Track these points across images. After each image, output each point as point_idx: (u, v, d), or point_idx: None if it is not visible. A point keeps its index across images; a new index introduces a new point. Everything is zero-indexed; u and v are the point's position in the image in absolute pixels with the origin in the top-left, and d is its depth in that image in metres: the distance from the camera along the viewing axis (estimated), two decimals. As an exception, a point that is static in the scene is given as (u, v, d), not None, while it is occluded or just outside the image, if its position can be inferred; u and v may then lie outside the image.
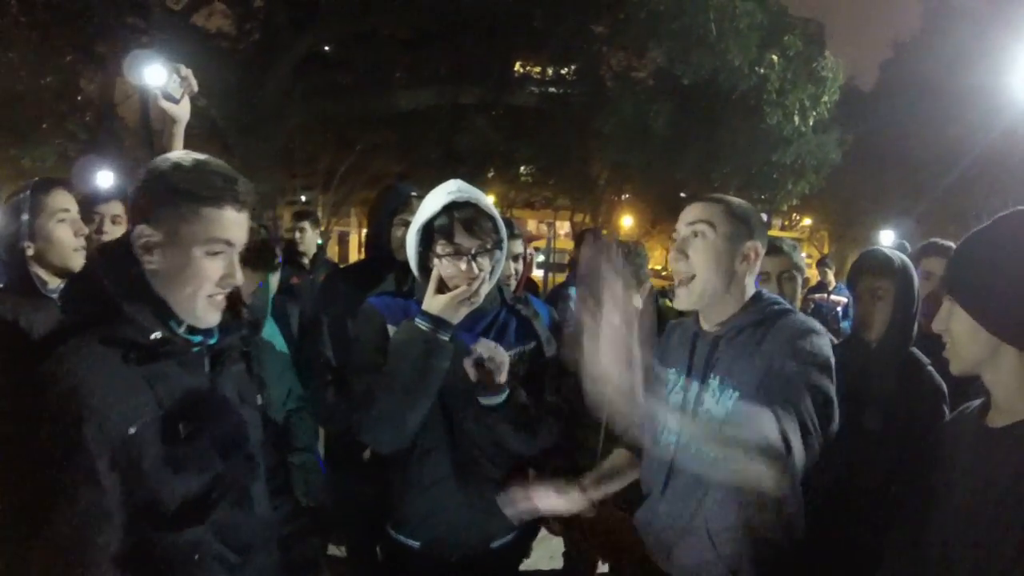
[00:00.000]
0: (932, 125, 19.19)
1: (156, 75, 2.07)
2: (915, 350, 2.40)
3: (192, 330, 1.47)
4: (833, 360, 1.64)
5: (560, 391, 2.12)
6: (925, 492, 1.44)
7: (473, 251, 1.93)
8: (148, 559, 1.30)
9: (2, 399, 1.34)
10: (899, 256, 2.44)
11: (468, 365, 1.89)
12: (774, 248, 2.74)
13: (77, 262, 2.24)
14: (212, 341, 1.50)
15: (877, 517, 1.76)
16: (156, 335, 1.36)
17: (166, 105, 2.11)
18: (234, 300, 1.64)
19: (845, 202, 27.60)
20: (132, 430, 1.28)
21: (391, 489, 2.13)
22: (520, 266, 3.05)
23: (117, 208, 2.62)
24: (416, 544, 2.09)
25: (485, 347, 1.89)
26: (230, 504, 1.45)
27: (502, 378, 1.91)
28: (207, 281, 1.40)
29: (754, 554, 1.65)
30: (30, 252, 2.17)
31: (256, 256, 2.22)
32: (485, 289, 1.95)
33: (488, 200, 2.00)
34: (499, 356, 1.90)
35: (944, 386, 2.30)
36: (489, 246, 1.95)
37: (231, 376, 1.56)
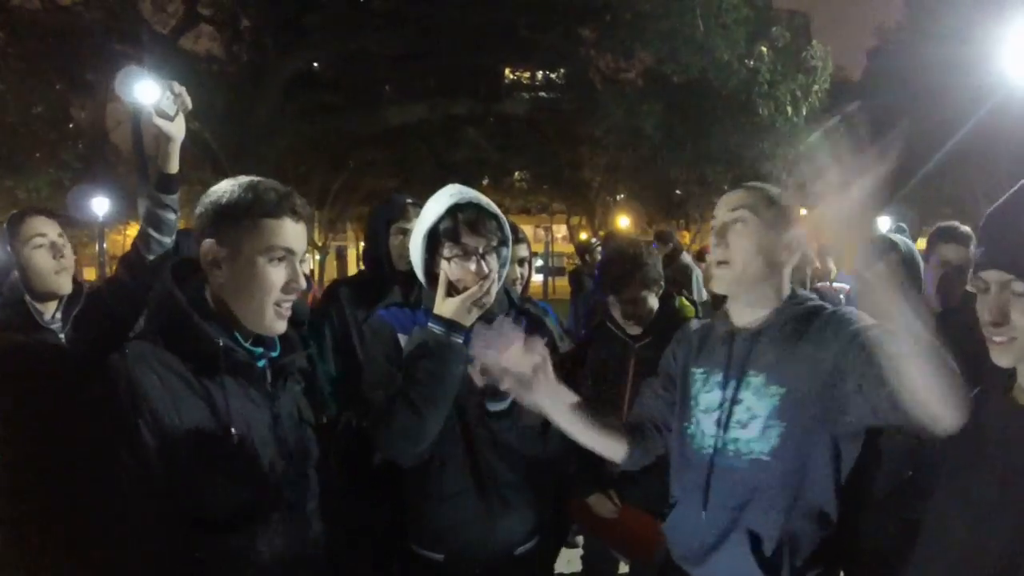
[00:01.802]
0: (921, 109, 19.26)
1: (148, 92, 2.05)
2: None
3: (256, 343, 1.51)
4: None
5: (574, 387, 2.11)
6: (950, 475, 1.42)
7: (481, 250, 1.89)
8: (192, 560, 1.33)
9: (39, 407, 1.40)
10: (903, 240, 2.45)
11: (473, 372, 1.87)
12: None
13: (61, 284, 2.21)
14: (274, 354, 1.54)
15: (904, 510, 1.75)
16: (220, 343, 1.40)
17: (160, 123, 2.08)
18: (295, 319, 1.63)
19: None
20: (186, 431, 1.33)
21: (409, 503, 2.10)
22: (525, 270, 3.03)
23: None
24: (440, 557, 2.06)
25: (484, 347, 1.87)
26: (282, 519, 1.47)
27: (507, 384, 1.89)
28: (273, 288, 1.45)
29: (795, 564, 1.58)
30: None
31: None
32: (495, 288, 1.92)
33: (489, 201, 1.98)
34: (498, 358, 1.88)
35: (956, 369, 2.28)
36: (495, 244, 1.92)
37: (291, 393, 1.59)
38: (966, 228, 2.95)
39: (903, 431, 1.55)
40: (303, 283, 1.51)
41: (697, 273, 6.02)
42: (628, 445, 1.86)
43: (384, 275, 2.65)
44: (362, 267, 2.90)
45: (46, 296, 2.21)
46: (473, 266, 1.89)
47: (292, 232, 1.47)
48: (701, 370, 1.77)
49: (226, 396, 1.41)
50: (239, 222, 1.43)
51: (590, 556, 3.06)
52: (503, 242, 1.97)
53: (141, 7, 11.64)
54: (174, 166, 2.16)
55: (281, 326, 1.49)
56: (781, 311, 1.68)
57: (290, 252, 1.47)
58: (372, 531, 2.56)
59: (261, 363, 1.50)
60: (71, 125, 17.02)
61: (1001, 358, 1.32)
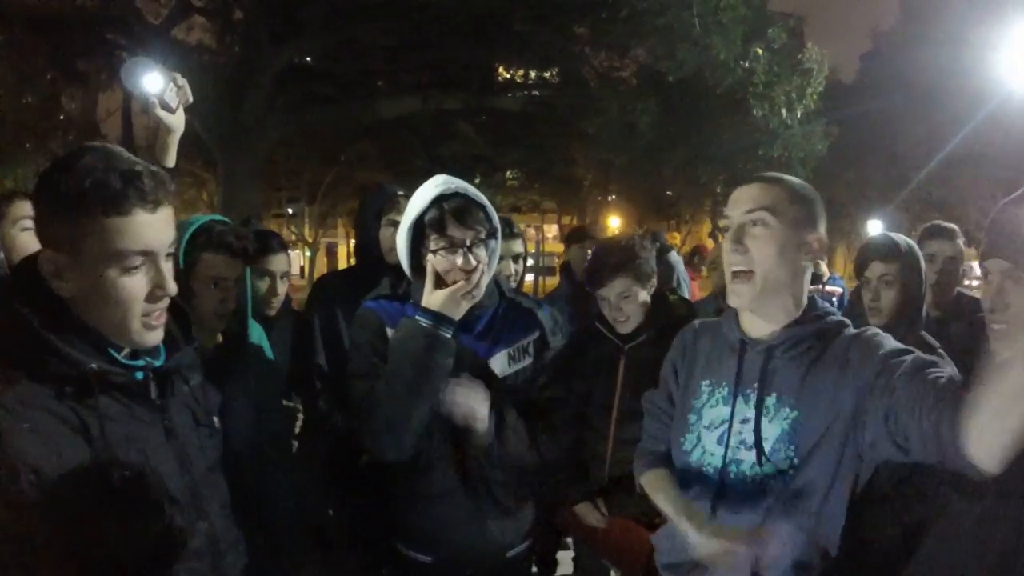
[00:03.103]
0: (914, 114, 19.35)
1: (153, 83, 2.01)
2: (925, 333, 2.39)
3: (135, 354, 1.30)
4: None
5: (565, 382, 2.08)
6: (955, 474, 1.40)
7: (468, 242, 1.86)
8: None
9: None
10: (904, 240, 2.46)
11: (447, 409, 1.84)
12: None
13: None
14: (158, 363, 1.33)
15: (906, 505, 1.73)
16: (91, 367, 1.18)
17: (162, 114, 2.04)
18: (181, 312, 1.44)
19: (830, 194, 27.82)
20: (70, 473, 1.13)
21: (396, 502, 2.06)
22: (520, 267, 3.00)
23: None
24: (428, 559, 2.03)
25: (457, 393, 1.85)
26: (196, 539, 1.33)
27: (481, 421, 1.85)
28: (132, 301, 1.20)
29: None
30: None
31: (234, 242, 2.10)
32: (484, 281, 1.89)
33: (476, 192, 1.93)
34: (470, 400, 1.84)
35: (956, 372, 2.28)
36: (483, 236, 1.89)
37: (181, 397, 1.40)
38: (950, 224, 3.04)
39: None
40: (172, 287, 1.25)
41: (680, 271, 6.02)
42: None
43: (374, 267, 2.60)
44: (352, 263, 2.86)
45: None
46: (460, 259, 1.85)
47: (147, 226, 1.18)
48: (707, 382, 1.64)
49: (107, 424, 1.20)
50: (72, 223, 1.14)
51: (581, 558, 3.03)
52: (491, 234, 1.92)
53: (133, -4, 11.52)
54: (172, 159, 2.11)
55: (154, 337, 1.27)
56: (800, 325, 1.53)
57: (148, 254, 1.20)
58: (359, 533, 2.52)
59: (139, 375, 1.28)
60: (61, 115, 16.87)
61: (999, 345, 1.32)
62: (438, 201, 1.87)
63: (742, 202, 1.53)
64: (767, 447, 1.48)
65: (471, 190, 1.92)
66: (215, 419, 1.52)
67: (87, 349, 1.19)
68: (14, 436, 1.08)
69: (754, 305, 1.54)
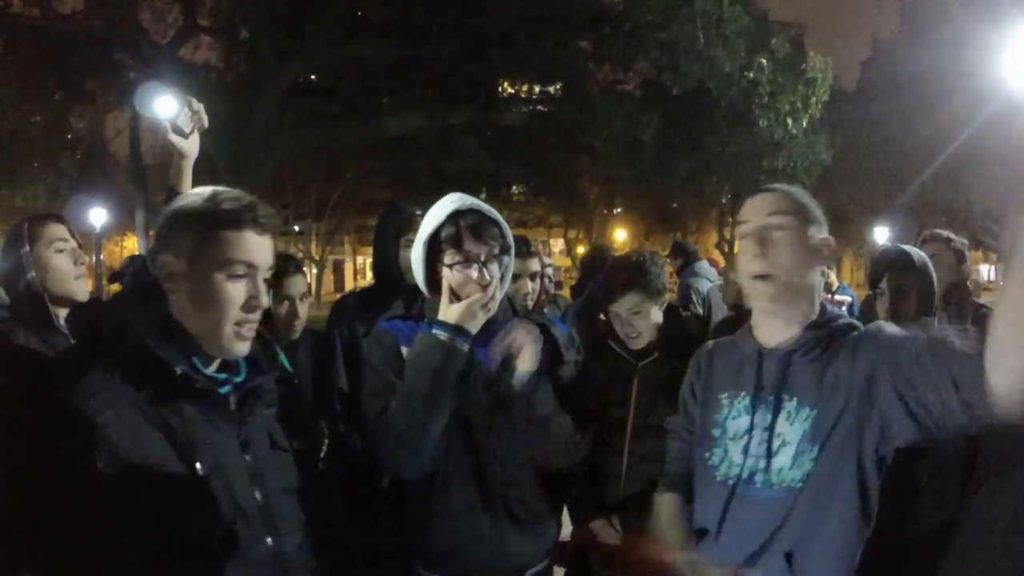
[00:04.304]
0: (917, 117, 19.37)
1: (167, 107, 2.01)
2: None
3: (221, 368, 1.43)
4: None
5: (578, 399, 2.08)
6: (969, 476, 1.43)
7: (483, 257, 1.87)
8: None
9: (21, 425, 1.33)
10: (918, 252, 2.49)
11: (496, 349, 1.87)
12: None
13: (78, 290, 2.22)
14: (239, 379, 1.44)
15: (925, 512, 1.71)
16: (178, 371, 1.32)
17: (175, 139, 2.04)
18: (266, 340, 1.56)
19: (834, 201, 27.82)
20: (148, 466, 1.25)
21: (413, 521, 2.05)
22: (537, 285, 2.99)
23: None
24: None
25: (516, 327, 1.90)
26: (261, 550, 1.39)
27: (527, 362, 1.88)
28: (231, 306, 1.37)
29: None
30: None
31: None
32: (499, 295, 1.91)
33: (491, 209, 1.94)
34: (524, 337, 1.88)
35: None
36: (497, 251, 1.90)
37: (261, 418, 1.49)
38: (947, 232, 3.23)
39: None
40: (265, 301, 1.41)
41: (706, 276, 5.90)
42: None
43: (393, 287, 2.61)
44: (359, 281, 2.87)
45: (63, 300, 2.21)
46: (475, 273, 1.87)
47: (254, 245, 1.39)
48: (726, 395, 1.65)
49: (188, 426, 1.32)
50: (198, 233, 1.36)
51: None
52: (505, 249, 1.94)
53: (141, 17, 11.65)
54: (187, 184, 2.10)
55: (243, 348, 1.40)
56: (816, 328, 1.55)
57: (251, 267, 1.38)
58: (374, 553, 2.51)
59: (224, 389, 1.40)
60: (69, 134, 17.07)
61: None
62: (454, 217, 1.89)
63: (763, 207, 1.56)
64: (791, 450, 1.49)
65: (485, 207, 1.94)
66: (293, 443, 1.59)
67: (178, 357, 1.34)
68: (100, 419, 1.23)
69: (775, 306, 1.56)
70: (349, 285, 40.28)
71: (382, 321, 2.07)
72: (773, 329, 1.59)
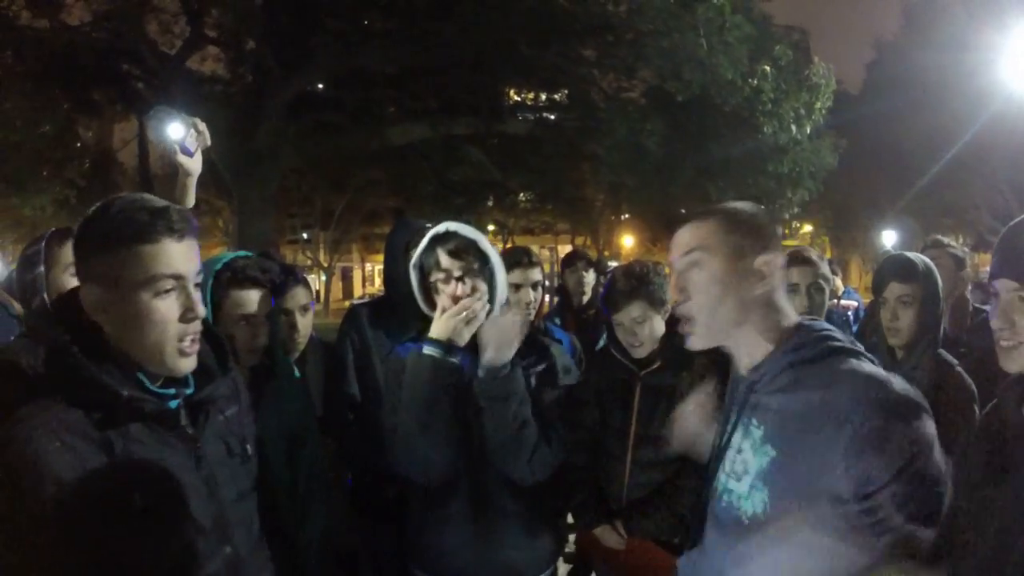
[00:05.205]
0: (921, 119, 19.32)
1: (176, 130, 2.10)
2: (943, 352, 2.40)
3: (167, 383, 1.39)
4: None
5: (578, 408, 2.15)
6: (973, 487, 1.39)
7: (457, 272, 2.01)
8: None
9: None
10: (921, 259, 2.48)
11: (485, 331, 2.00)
12: (801, 258, 2.70)
13: None
14: (189, 391, 1.41)
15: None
16: (124, 394, 1.27)
17: (182, 159, 2.12)
18: (218, 343, 1.53)
19: (840, 206, 27.71)
20: (94, 497, 1.20)
21: (411, 524, 2.15)
22: (539, 294, 3.03)
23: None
24: None
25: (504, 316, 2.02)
26: (223, 560, 1.39)
27: (504, 348, 1.97)
28: (167, 324, 1.31)
29: None
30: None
31: (259, 276, 2.13)
32: (480, 307, 2.00)
33: (470, 230, 2.09)
34: (508, 328, 1.97)
35: (974, 387, 2.29)
36: (475, 266, 2.03)
37: (215, 427, 1.46)
38: (948, 239, 3.36)
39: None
40: (202, 310, 1.37)
41: None
42: None
43: (401, 298, 2.66)
44: (367, 288, 2.92)
45: None
46: (450, 287, 2.01)
47: (175, 254, 1.31)
48: (722, 417, 1.61)
49: (137, 449, 1.28)
50: (113, 254, 1.28)
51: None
52: (484, 264, 2.06)
53: (148, 28, 11.74)
54: (191, 200, 2.18)
55: (188, 364, 1.36)
56: (778, 355, 1.44)
57: (178, 278, 1.32)
58: (376, 555, 2.54)
59: (173, 404, 1.36)
60: (77, 144, 17.17)
61: (1008, 363, 1.34)
62: (433, 241, 2.07)
63: (676, 247, 1.50)
64: (748, 480, 1.42)
65: (464, 229, 2.08)
66: (248, 447, 1.58)
67: (121, 378, 1.29)
68: (46, 452, 1.18)
69: (709, 344, 1.49)
70: (357, 292, 40.39)
71: (398, 347, 2.19)
72: (739, 357, 1.52)
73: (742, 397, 1.50)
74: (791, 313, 1.49)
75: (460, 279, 2.01)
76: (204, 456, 1.41)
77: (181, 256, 1.32)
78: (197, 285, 1.37)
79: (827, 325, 1.50)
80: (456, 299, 2.00)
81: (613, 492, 2.57)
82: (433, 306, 2.07)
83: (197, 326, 1.36)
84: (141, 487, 1.26)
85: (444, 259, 2.02)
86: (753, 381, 1.47)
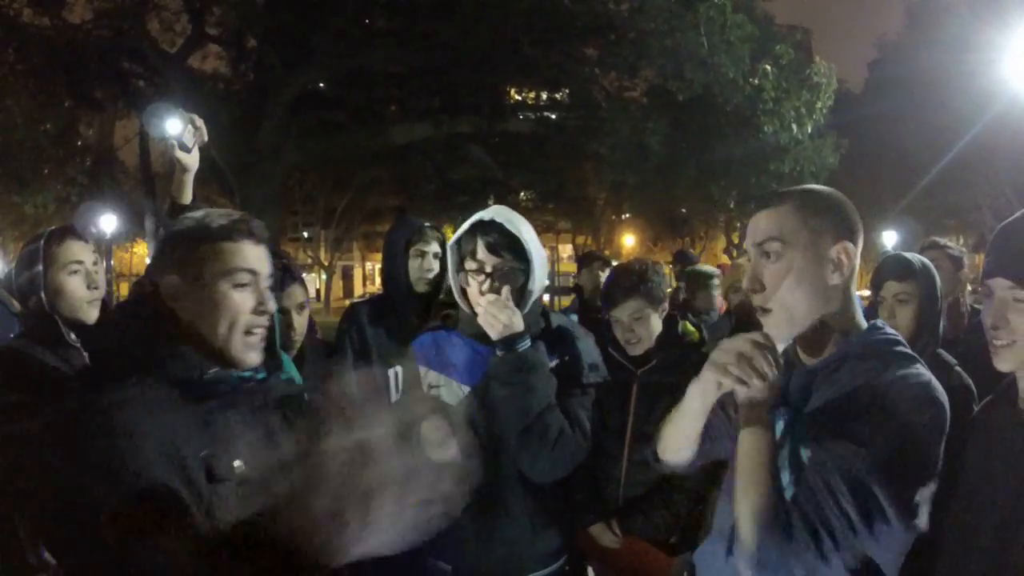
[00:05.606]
0: (923, 119, 19.29)
1: (174, 127, 2.12)
2: (942, 351, 2.39)
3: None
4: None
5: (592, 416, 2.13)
6: (966, 485, 1.42)
7: (488, 268, 1.95)
8: None
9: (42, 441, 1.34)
10: (919, 259, 2.46)
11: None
12: None
13: (89, 314, 2.20)
14: (261, 376, 1.52)
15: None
16: (208, 372, 1.38)
17: (179, 155, 2.14)
18: (271, 345, 1.62)
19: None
20: (196, 466, 1.29)
21: None
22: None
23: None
24: (448, 568, 2.07)
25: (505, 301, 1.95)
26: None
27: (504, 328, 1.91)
28: (240, 314, 1.43)
29: None
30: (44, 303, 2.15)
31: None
32: (505, 293, 1.94)
33: (515, 223, 1.98)
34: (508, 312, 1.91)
35: (973, 386, 2.28)
36: (509, 267, 1.96)
37: (279, 415, 1.55)
38: (946, 241, 3.32)
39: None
40: (272, 306, 1.49)
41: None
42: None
43: (400, 296, 2.67)
44: (368, 287, 2.92)
45: (72, 323, 2.19)
46: (478, 282, 1.97)
47: (253, 254, 1.46)
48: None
49: (225, 422, 1.38)
50: (197, 250, 1.42)
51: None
52: (522, 263, 1.99)
53: (149, 26, 11.76)
54: (188, 196, 2.20)
55: (254, 358, 1.46)
56: (844, 345, 1.41)
57: (254, 274, 1.46)
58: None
59: (250, 384, 1.47)
60: (79, 142, 17.21)
61: (1002, 362, 1.35)
62: (474, 228, 2.00)
63: (752, 234, 1.45)
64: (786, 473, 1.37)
65: (510, 220, 1.99)
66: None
67: (201, 359, 1.40)
68: (138, 426, 1.25)
69: (787, 337, 1.44)
70: (358, 291, 40.44)
71: (414, 342, 2.17)
72: (802, 346, 1.48)
73: (796, 388, 1.44)
74: (856, 300, 1.46)
75: (490, 275, 1.96)
76: (274, 433, 1.49)
77: (257, 257, 1.47)
78: (269, 287, 1.50)
79: (896, 334, 1.46)
80: (482, 293, 1.96)
81: (609, 491, 2.57)
82: (463, 292, 2.05)
83: (266, 320, 1.47)
84: (229, 456, 1.34)
85: (481, 251, 1.97)
86: (813, 369, 1.43)
